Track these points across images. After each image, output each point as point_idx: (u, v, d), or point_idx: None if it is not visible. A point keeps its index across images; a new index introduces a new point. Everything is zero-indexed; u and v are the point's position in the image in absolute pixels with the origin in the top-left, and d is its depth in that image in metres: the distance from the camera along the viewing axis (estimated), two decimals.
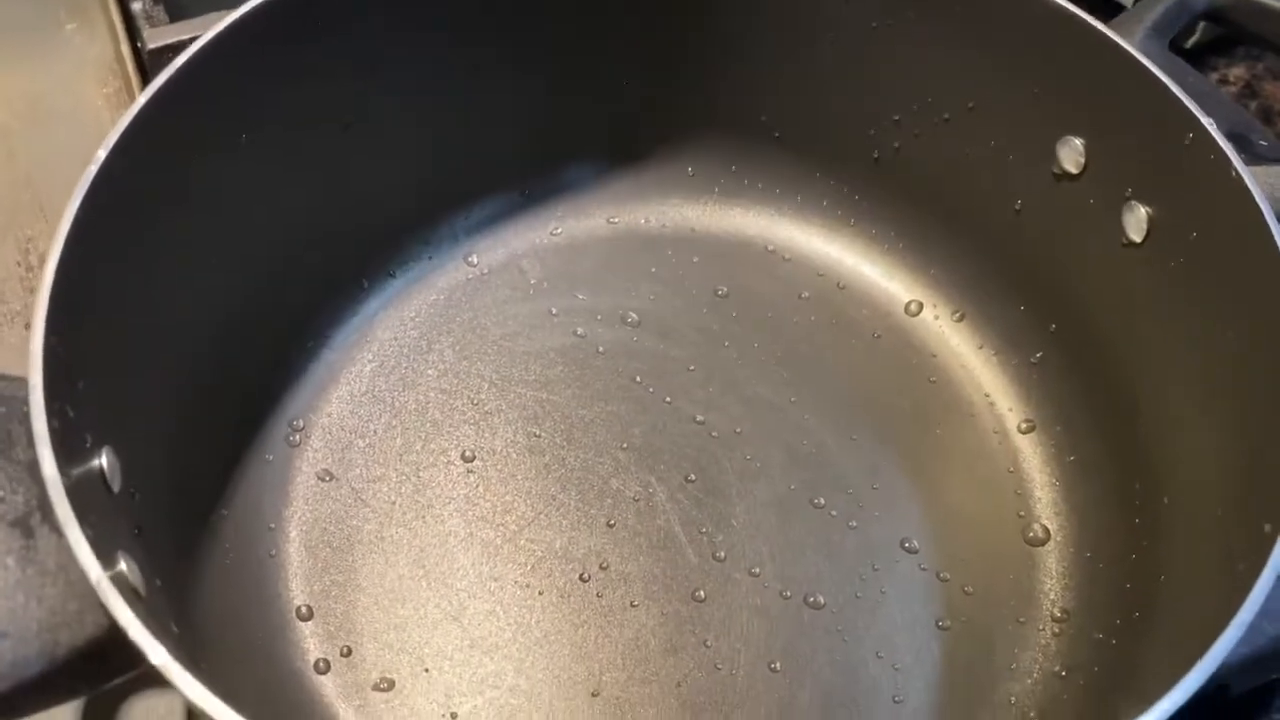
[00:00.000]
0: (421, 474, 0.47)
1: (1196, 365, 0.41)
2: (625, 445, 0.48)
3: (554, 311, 0.52)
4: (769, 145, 0.53)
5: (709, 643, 0.43)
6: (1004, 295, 0.50)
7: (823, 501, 0.47)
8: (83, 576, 0.29)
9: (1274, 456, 0.33)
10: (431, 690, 0.42)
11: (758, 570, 0.45)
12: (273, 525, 0.45)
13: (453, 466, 0.47)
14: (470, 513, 0.46)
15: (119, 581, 0.29)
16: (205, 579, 0.41)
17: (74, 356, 0.33)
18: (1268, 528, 0.31)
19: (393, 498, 0.46)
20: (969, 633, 0.44)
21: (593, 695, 0.42)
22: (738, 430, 0.48)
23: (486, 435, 0.48)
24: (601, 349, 0.51)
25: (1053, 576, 0.45)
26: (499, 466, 0.47)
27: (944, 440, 0.49)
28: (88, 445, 0.33)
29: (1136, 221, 0.43)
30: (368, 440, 0.48)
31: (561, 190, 0.54)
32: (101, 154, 0.36)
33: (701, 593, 0.44)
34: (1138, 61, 0.41)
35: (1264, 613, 0.42)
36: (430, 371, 0.50)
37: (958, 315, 0.52)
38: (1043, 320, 0.49)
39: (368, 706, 0.41)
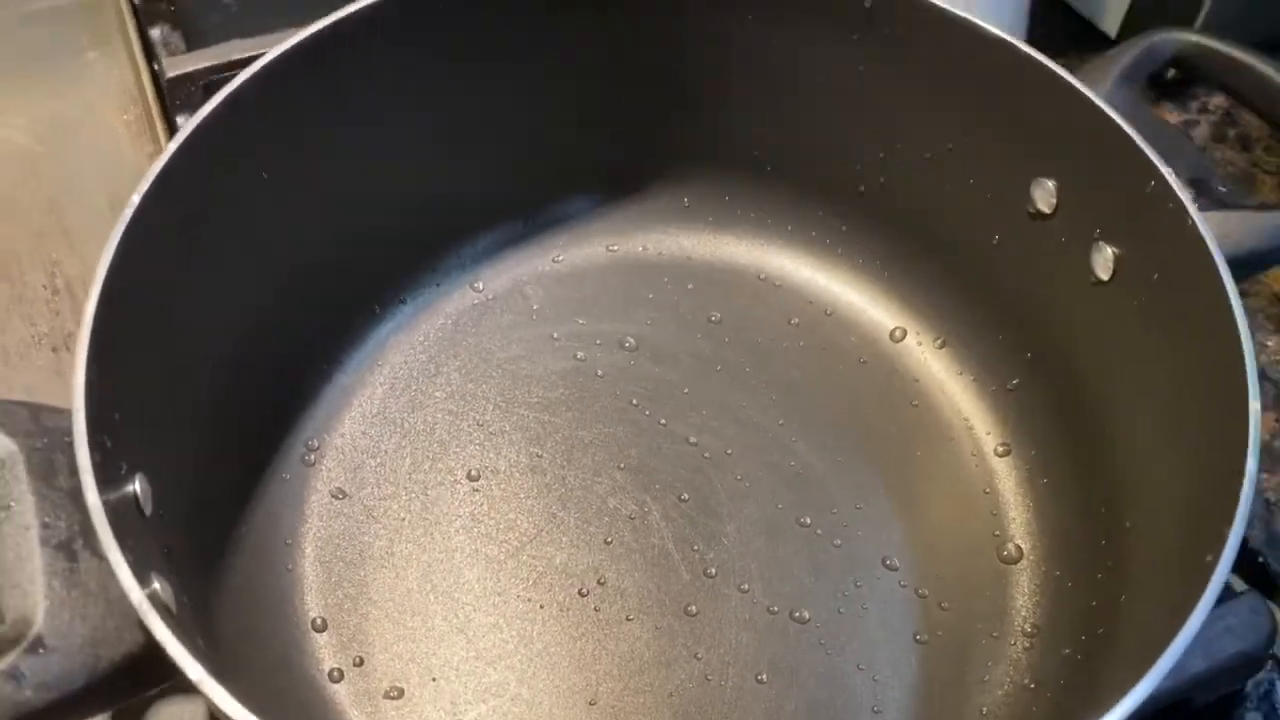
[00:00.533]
0: (429, 492, 0.49)
1: (1162, 398, 0.42)
2: (622, 466, 0.50)
3: (555, 336, 0.54)
4: (761, 178, 0.55)
5: (700, 655, 0.45)
6: (983, 324, 0.52)
7: (809, 520, 0.48)
8: (121, 596, 0.31)
9: (1219, 491, 0.35)
10: (439, 699, 0.44)
11: (747, 586, 0.46)
12: (289, 541, 0.47)
13: (459, 485, 0.49)
14: (475, 530, 0.48)
15: (155, 600, 0.31)
16: (226, 594, 0.42)
17: (111, 389, 0.35)
18: (1209, 558, 0.33)
19: (402, 515, 0.48)
20: (945, 647, 0.45)
21: (590, 704, 0.44)
22: (729, 452, 0.50)
23: (491, 455, 0.50)
24: (600, 372, 0.53)
25: (1025, 594, 0.46)
26: (503, 485, 0.49)
27: (924, 462, 0.50)
28: (123, 473, 0.35)
29: (1104, 261, 0.44)
30: (379, 460, 0.50)
31: (563, 220, 0.56)
32: (135, 199, 0.38)
33: (693, 607, 0.46)
34: (1102, 111, 0.42)
35: (1225, 629, 0.44)
36: (438, 394, 0.52)
37: (939, 342, 0.53)
38: (1019, 349, 0.50)
39: (379, 713, 0.43)
